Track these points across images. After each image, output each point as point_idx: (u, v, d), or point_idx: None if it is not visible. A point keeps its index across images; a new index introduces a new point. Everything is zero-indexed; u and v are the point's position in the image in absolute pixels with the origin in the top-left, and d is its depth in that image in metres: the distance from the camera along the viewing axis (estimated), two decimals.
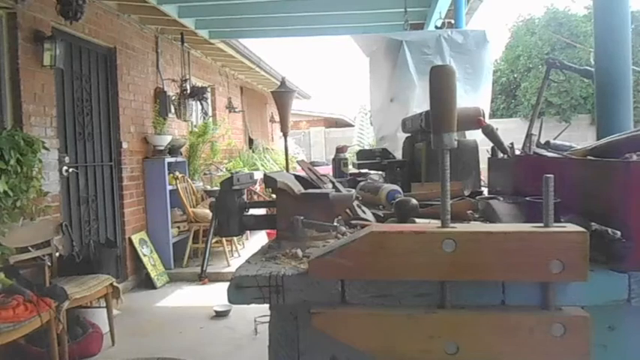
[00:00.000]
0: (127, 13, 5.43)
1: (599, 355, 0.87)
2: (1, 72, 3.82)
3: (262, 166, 8.64)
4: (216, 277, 5.23)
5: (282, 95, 2.89)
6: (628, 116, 2.03)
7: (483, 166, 1.85)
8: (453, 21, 4.88)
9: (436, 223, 0.88)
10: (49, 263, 3.46)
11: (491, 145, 1.69)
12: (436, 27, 4.63)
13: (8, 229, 3.26)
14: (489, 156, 1.73)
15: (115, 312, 3.73)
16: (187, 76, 6.51)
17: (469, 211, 1.35)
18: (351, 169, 2.52)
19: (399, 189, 1.67)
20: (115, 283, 3.67)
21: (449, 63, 3.51)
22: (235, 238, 6.18)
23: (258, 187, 5.95)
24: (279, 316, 0.96)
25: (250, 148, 9.84)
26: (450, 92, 0.86)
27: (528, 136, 1.82)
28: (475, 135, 2.06)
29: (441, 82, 0.87)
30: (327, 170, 2.54)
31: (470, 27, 5.59)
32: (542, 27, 16.01)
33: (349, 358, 0.93)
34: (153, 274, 5.28)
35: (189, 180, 6.16)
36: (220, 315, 4.24)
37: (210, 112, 7.80)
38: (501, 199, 1.33)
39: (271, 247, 1.15)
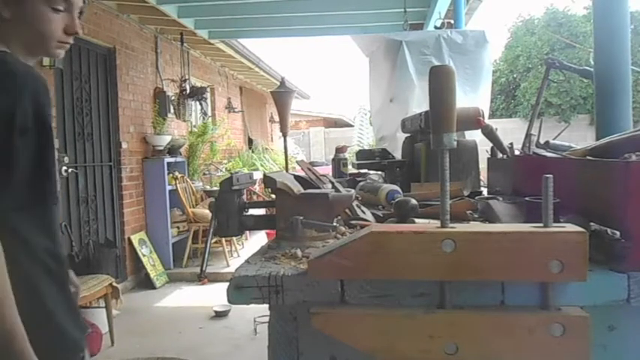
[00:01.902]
0: (126, 13, 5.43)
1: (598, 355, 0.87)
2: None
3: (262, 166, 8.64)
4: (216, 277, 5.23)
5: (281, 95, 2.89)
6: (627, 116, 2.03)
7: (483, 166, 1.85)
8: (452, 21, 4.88)
9: (435, 223, 0.88)
10: None
11: (491, 145, 1.69)
12: (435, 27, 4.62)
13: None
14: (489, 156, 1.73)
15: (114, 312, 3.73)
16: (187, 76, 6.51)
17: (468, 212, 1.35)
18: (351, 170, 2.52)
19: (399, 189, 1.67)
20: (114, 284, 3.66)
21: (448, 63, 3.51)
22: (235, 239, 6.18)
23: (257, 188, 5.95)
24: (278, 316, 0.96)
25: (250, 148, 9.85)
26: (449, 92, 0.86)
27: (528, 136, 1.82)
28: (475, 135, 2.06)
29: (440, 82, 0.87)
30: (326, 170, 2.54)
31: (469, 27, 5.59)
32: (541, 27, 16.03)
33: (349, 359, 0.93)
34: (152, 274, 5.28)
35: (188, 180, 6.16)
36: (220, 315, 4.24)
37: (209, 112, 7.80)
38: (501, 199, 1.33)
39: (271, 247, 1.15)
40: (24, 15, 1.20)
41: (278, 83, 3.02)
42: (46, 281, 1.11)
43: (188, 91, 6.25)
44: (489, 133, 1.64)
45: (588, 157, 1.20)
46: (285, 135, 3.05)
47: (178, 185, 5.70)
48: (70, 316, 1.16)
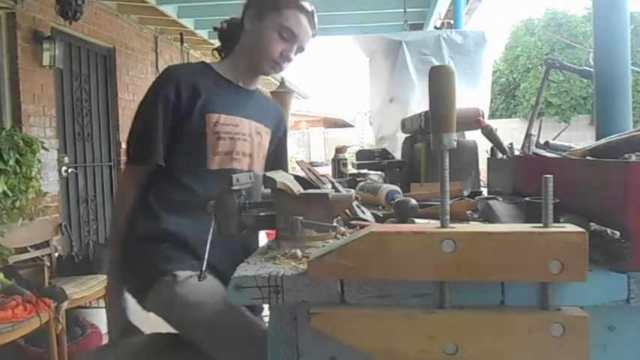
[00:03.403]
0: (126, 14, 5.44)
1: (598, 355, 0.87)
2: (0, 72, 3.82)
3: None
4: None
5: (281, 95, 2.89)
6: (627, 116, 2.04)
7: (483, 166, 1.85)
8: (452, 21, 4.88)
9: (435, 223, 0.88)
10: (48, 263, 3.46)
11: (491, 145, 1.69)
12: (435, 27, 4.63)
13: (7, 229, 3.26)
14: (489, 156, 1.73)
15: None
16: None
17: (468, 212, 1.35)
18: (351, 170, 2.52)
19: (399, 189, 1.67)
20: None
21: (448, 63, 3.51)
22: None
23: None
24: (278, 316, 0.96)
25: None
26: (449, 92, 0.86)
27: (527, 136, 1.82)
28: (474, 135, 2.06)
29: (440, 82, 0.87)
30: (326, 170, 2.54)
31: (469, 27, 5.59)
32: (541, 27, 16.05)
33: (349, 359, 0.93)
34: None
35: None
36: None
37: None
38: (500, 199, 1.33)
39: (270, 247, 1.15)
40: (259, 31, 1.52)
41: (278, 83, 3.01)
42: (165, 217, 1.45)
43: None
44: (489, 134, 1.64)
45: (588, 157, 1.20)
46: None
47: None
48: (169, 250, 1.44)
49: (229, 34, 1.61)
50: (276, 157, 1.75)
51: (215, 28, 1.67)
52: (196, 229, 1.40)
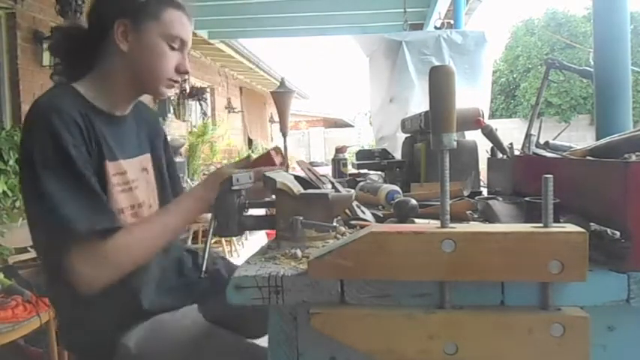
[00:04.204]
0: None
1: (598, 355, 0.87)
2: (0, 72, 3.82)
3: None
4: None
5: (281, 95, 2.89)
6: (627, 116, 2.04)
7: (483, 166, 1.85)
8: (452, 21, 4.88)
9: (436, 223, 0.88)
10: None
11: (491, 145, 1.69)
12: (435, 27, 4.63)
13: (7, 229, 3.26)
14: (489, 156, 1.73)
15: None
16: (186, 77, 6.51)
17: (468, 212, 1.35)
18: (351, 170, 2.52)
19: (399, 189, 1.67)
20: None
21: (448, 63, 3.51)
22: (235, 239, 6.17)
23: None
24: (278, 316, 0.96)
25: (250, 148, 9.86)
26: (449, 92, 0.86)
27: (527, 136, 1.82)
28: (474, 135, 2.06)
29: (440, 82, 0.87)
30: (326, 170, 2.54)
31: (469, 27, 5.59)
32: (541, 27, 16.06)
33: (348, 359, 0.93)
34: None
35: (188, 180, 6.16)
36: None
37: (209, 113, 7.80)
38: (500, 199, 1.33)
39: (271, 247, 1.15)
40: (141, 48, 1.21)
41: (278, 83, 3.02)
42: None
43: (188, 92, 6.25)
44: (489, 134, 1.64)
45: (588, 158, 1.20)
46: (284, 135, 3.05)
47: None
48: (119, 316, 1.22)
49: (76, 49, 1.26)
50: (170, 177, 1.45)
51: (50, 44, 1.31)
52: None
